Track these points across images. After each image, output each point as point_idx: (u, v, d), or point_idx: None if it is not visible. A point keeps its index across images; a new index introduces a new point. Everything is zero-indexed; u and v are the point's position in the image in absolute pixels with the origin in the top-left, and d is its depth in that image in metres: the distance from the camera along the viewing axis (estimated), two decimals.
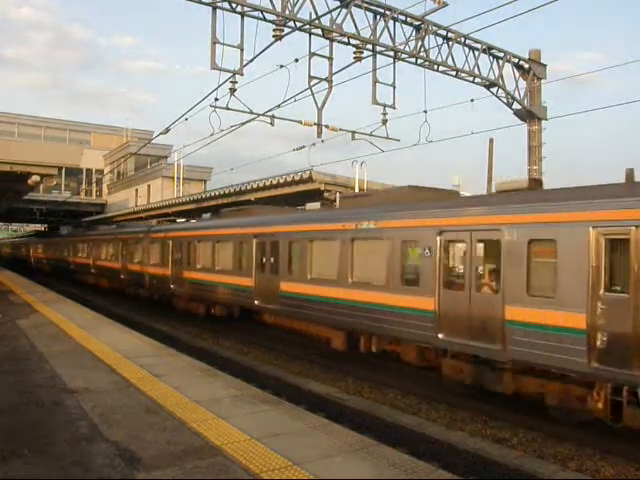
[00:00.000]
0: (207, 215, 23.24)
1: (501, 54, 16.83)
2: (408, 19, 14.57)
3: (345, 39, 13.58)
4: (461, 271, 9.92)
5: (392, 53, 14.52)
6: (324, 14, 12.60)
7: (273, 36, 12.19)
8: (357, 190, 20.48)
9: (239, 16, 12.36)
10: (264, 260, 15.62)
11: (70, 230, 44.89)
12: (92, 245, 32.65)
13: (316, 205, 16.32)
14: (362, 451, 5.64)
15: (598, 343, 7.62)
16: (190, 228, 21.73)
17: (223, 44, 12.11)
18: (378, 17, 14.10)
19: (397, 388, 11.43)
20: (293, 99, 13.14)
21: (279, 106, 13.54)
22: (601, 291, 7.70)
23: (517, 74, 17.47)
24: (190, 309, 20.50)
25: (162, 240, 22.51)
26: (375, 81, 14.52)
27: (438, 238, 10.09)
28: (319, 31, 13.38)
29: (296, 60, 12.92)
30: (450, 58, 15.48)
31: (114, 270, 27.89)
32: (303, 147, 18.10)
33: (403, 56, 14.72)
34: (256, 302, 15.69)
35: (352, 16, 13.50)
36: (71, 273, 38.54)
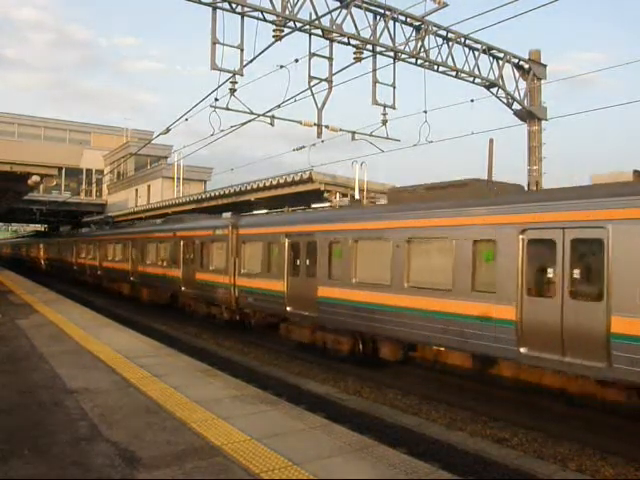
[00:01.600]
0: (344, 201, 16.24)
1: (501, 54, 16.84)
2: (408, 19, 14.57)
3: (345, 39, 13.58)
4: None
5: (392, 53, 14.52)
6: (324, 14, 12.62)
7: (273, 36, 12.20)
8: (357, 191, 20.43)
9: (239, 16, 12.37)
10: (551, 275, 8.77)
11: (93, 228, 39.05)
12: (132, 246, 25.96)
13: None
14: (362, 451, 5.64)
15: None
16: (346, 218, 13.37)
17: (223, 44, 12.11)
18: (378, 17, 14.11)
19: (397, 388, 11.44)
20: (293, 99, 13.16)
21: (279, 106, 13.56)
22: None
23: (517, 74, 17.48)
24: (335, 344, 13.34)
25: (269, 238, 15.32)
26: (375, 81, 14.52)
27: None
28: (319, 31, 13.38)
29: (296, 60, 12.92)
30: (450, 58, 15.49)
31: (170, 279, 21.17)
32: (303, 147, 18.09)
33: (403, 56, 14.71)
34: (523, 350, 8.94)
35: (352, 16, 13.51)
36: (99, 280, 31.74)
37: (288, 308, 14.30)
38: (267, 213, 20.82)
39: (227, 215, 19.38)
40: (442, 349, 10.94)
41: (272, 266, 15.18)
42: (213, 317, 18.82)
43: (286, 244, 14.55)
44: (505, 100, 17.33)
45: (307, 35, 13.26)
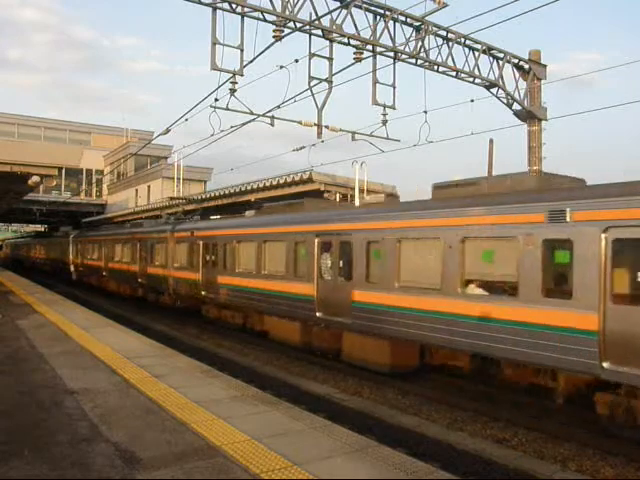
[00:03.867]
0: None
1: (501, 55, 16.83)
2: (408, 20, 14.56)
3: (345, 40, 13.57)
4: None
5: (392, 54, 14.52)
6: (324, 15, 12.61)
7: (273, 37, 12.19)
8: (357, 191, 20.41)
9: (239, 17, 12.37)
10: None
11: (162, 219, 27.49)
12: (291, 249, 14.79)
13: None
14: (362, 451, 5.64)
15: None
16: None
17: (223, 45, 12.11)
18: (378, 18, 14.10)
19: (397, 388, 11.44)
20: (293, 99, 13.17)
21: (279, 106, 13.56)
22: None
23: (517, 75, 17.47)
24: None
25: None
26: (375, 81, 14.51)
27: None
28: (319, 32, 13.37)
29: (296, 61, 12.91)
30: (450, 59, 15.48)
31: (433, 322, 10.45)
32: (303, 147, 18.07)
33: (403, 57, 14.70)
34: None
35: (352, 17, 13.50)
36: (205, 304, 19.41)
37: None
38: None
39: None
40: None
41: None
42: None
43: None
44: (505, 100, 17.32)
45: (307, 35, 13.25)
